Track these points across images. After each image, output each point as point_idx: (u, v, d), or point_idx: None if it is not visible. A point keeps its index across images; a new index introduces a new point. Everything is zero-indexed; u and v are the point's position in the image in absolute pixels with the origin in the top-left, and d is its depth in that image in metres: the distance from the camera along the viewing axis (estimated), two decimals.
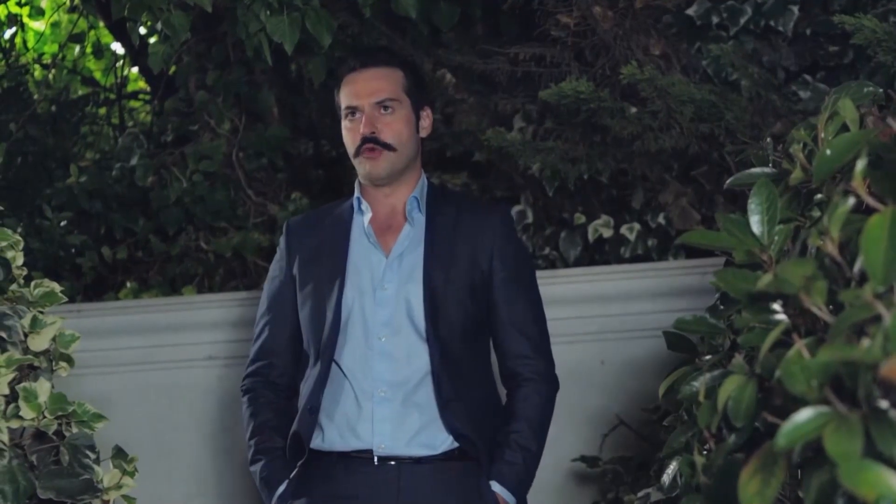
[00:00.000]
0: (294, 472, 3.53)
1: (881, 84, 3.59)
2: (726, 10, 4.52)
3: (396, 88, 3.57)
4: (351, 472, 3.49)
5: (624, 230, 5.35)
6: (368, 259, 3.58)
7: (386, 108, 3.53)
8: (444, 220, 3.61)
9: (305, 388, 3.60)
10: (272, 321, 3.69)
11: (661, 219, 5.33)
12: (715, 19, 4.54)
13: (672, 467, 2.42)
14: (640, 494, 3.51)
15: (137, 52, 6.00)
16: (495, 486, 3.46)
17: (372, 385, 3.49)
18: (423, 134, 3.69)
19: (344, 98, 3.60)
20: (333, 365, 3.55)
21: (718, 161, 4.69)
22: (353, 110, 3.56)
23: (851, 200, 1.77)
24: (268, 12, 4.08)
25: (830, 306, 1.72)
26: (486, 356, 3.67)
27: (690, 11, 4.56)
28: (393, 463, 3.47)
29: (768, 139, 2.53)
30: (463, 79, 5.48)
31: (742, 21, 4.52)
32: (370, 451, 3.45)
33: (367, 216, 3.60)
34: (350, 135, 3.57)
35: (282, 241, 3.76)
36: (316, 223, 3.73)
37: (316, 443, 3.51)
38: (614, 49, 4.51)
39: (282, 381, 3.68)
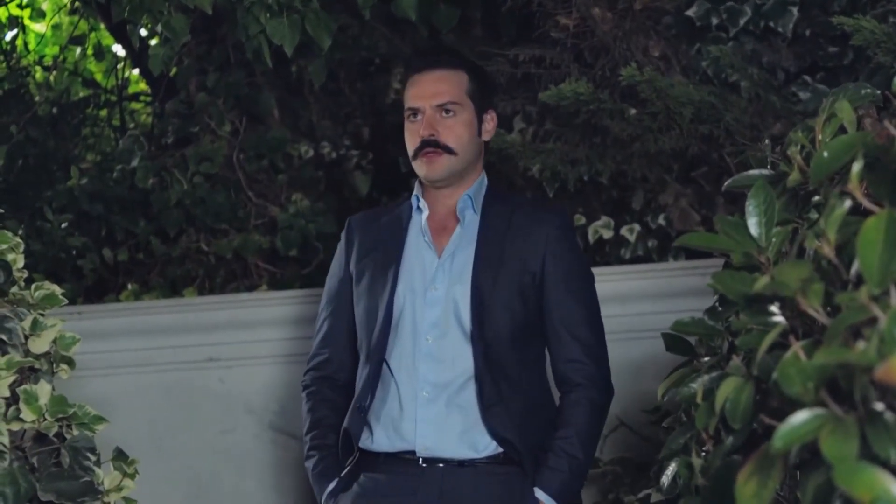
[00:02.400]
0: (345, 471, 3.52)
1: (881, 84, 3.60)
2: (726, 11, 4.51)
3: (459, 91, 3.55)
4: (396, 473, 3.48)
5: (624, 231, 5.36)
6: (422, 258, 3.57)
7: (447, 111, 3.51)
8: (496, 220, 3.57)
9: (357, 386, 3.60)
10: (331, 316, 3.70)
11: (661, 220, 5.35)
12: (714, 20, 4.52)
13: (671, 469, 2.40)
14: (639, 495, 3.52)
15: (138, 54, 6.02)
16: (538, 493, 3.40)
17: (416, 386, 3.48)
18: (486, 137, 3.66)
19: (407, 99, 3.59)
20: (383, 365, 3.54)
21: (718, 162, 4.69)
22: (414, 112, 3.54)
23: (848, 203, 1.77)
24: (267, 14, 4.08)
25: (828, 308, 1.72)
26: (538, 360, 3.60)
27: (690, 12, 4.54)
28: (438, 465, 3.45)
29: (767, 141, 2.53)
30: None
31: (742, 22, 4.51)
32: (414, 452, 3.45)
33: (425, 214, 3.58)
34: (410, 136, 3.56)
35: (342, 236, 3.76)
36: (375, 220, 3.71)
37: (365, 443, 3.52)
38: (614, 50, 4.51)
39: (340, 377, 3.69)
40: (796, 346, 1.64)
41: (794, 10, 4.46)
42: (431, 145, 3.49)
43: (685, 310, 2.76)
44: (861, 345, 1.50)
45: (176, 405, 5.02)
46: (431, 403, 3.46)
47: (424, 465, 3.44)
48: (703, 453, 2.17)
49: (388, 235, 3.63)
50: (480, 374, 3.45)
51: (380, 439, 3.49)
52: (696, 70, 4.54)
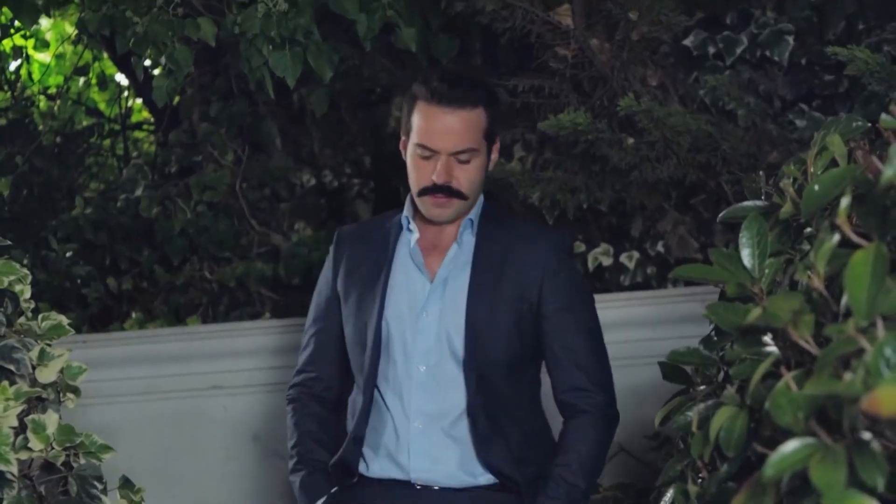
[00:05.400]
0: (335, 489, 3.47)
1: (876, 112, 3.64)
2: (722, 41, 4.54)
3: (478, 136, 3.39)
4: (391, 496, 3.43)
5: (623, 258, 5.35)
6: (411, 281, 3.46)
7: (464, 159, 3.37)
8: (493, 244, 3.46)
9: (351, 413, 3.53)
10: (318, 333, 3.60)
11: (659, 247, 5.34)
12: (711, 49, 4.55)
13: (668, 496, 2.41)
14: None
15: (142, 84, 6.04)
16: None
17: (410, 416, 3.40)
18: (491, 167, 3.54)
19: (419, 132, 3.40)
20: (376, 392, 3.45)
21: (716, 189, 4.71)
22: (427, 151, 3.38)
23: (837, 237, 1.81)
24: (270, 47, 4.12)
25: (819, 338, 1.75)
26: (534, 390, 3.54)
27: (687, 42, 4.57)
28: (435, 489, 3.40)
29: (761, 172, 2.57)
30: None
31: (738, 51, 4.53)
32: (410, 482, 3.40)
33: (415, 236, 3.47)
34: (420, 173, 3.41)
35: (331, 250, 3.65)
36: (365, 235, 3.60)
37: (361, 469, 3.47)
38: (612, 80, 4.52)
39: (328, 395, 3.61)
40: (787, 377, 1.69)
41: (790, 38, 4.48)
42: (444, 191, 3.38)
43: (684, 335, 2.78)
44: (848, 376, 1.53)
45: (181, 433, 5.00)
46: (425, 435, 3.40)
47: (420, 488, 3.41)
48: (699, 480, 2.19)
49: (377, 253, 3.52)
50: (473, 407, 3.37)
51: (375, 467, 3.45)
52: (694, 98, 4.56)
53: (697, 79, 4.56)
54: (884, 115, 2.04)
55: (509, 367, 3.41)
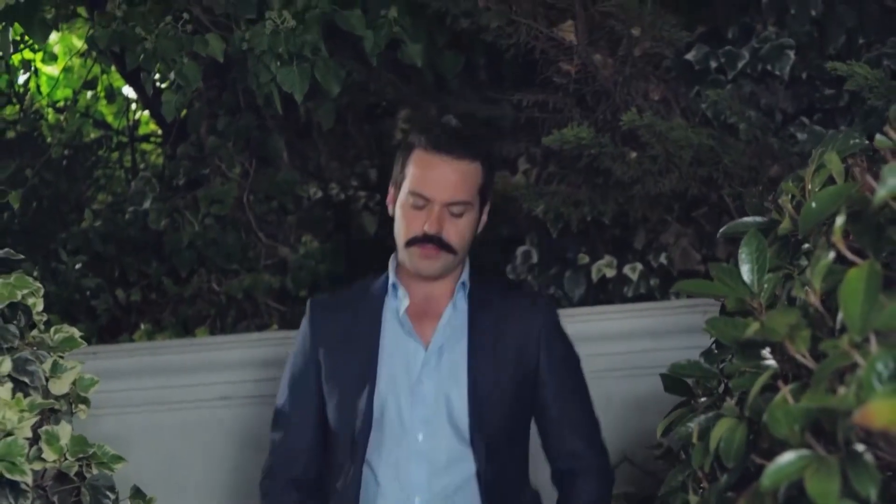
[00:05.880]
0: None
1: (876, 126, 3.69)
2: (724, 56, 4.56)
3: (473, 190, 3.27)
4: None
5: (626, 270, 5.35)
6: (404, 348, 3.31)
7: (457, 212, 3.25)
8: (488, 311, 3.34)
9: (335, 494, 3.34)
10: (294, 411, 3.41)
11: (662, 259, 5.33)
12: (713, 64, 4.57)
13: None
14: None
15: (150, 97, 6.07)
16: None
17: (407, 492, 3.26)
18: (479, 229, 3.39)
19: (414, 180, 3.26)
20: (366, 468, 3.29)
21: (718, 202, 4.73)
22: (420, 199, 3.25)
23: (832, 254, 1.86)
24: (278, 63, 4.17)
25: (818, 352, 1.78)
26: (526, 456, 3.42)
27: (689, 56, 4.60)
28: None
29: (760, 188, 2.61)
30: (468, 124, 5.47)
31: (740, 65, 4.54)
32: None
33: (405, 303, 3.32)
34: (408, 223, 3.26)
35: (304, 322, 3.46)
36: (344, 305, 3.42)
37: None
38: (615, 95, 4.55)
39: (305, 477, 3.41)
40: (784, 391, 1.73)
41: (791, 53, 4.50)
42: (434, 242, 3.24)
43: (687, 346, 2.80)
44: (842, 390, 1.56)
45: (189, 443, 4.99)
46: None
47: None
48: (700, 490, 2.22)
49: (362, 322, 3.35)
50: (484, 478, 3.25)
51: None
52: (696, 112, 4.58)
53: (699, 93, 4.58)
54: (878, 136, 2.08)
55: (509, 437, 3.33)
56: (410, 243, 3.25)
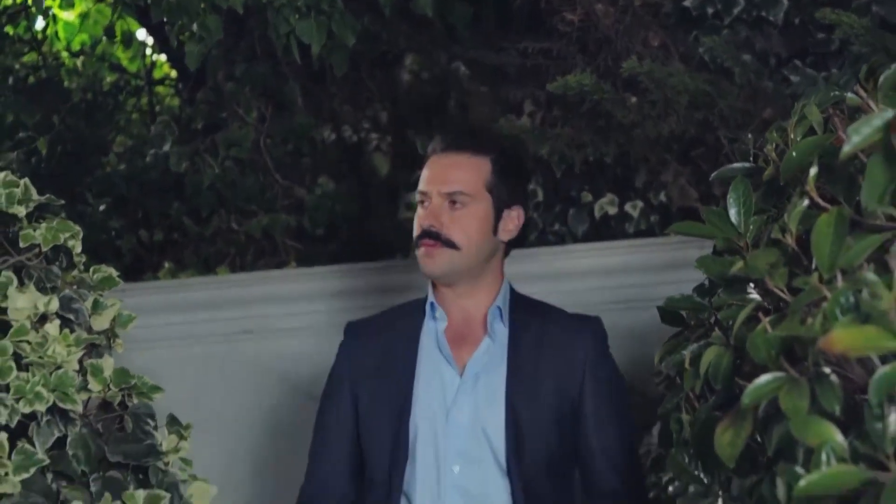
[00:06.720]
0: None
1: (866, 71, 3.82)
2: (720, 2, 4.63)
3: (475, 181, 3.11)
4: None
5: (628, 207, 5.43)
6: (440, 375, 3.14)
7: (455, 202, 3.10)
8: (528, 336, 3.14)
9: None
10: (331, 442, 3.26)
11: (662, 196, 5.41)
12: (710, 10, 4.64)
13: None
14: (641, 451, 3.77)
15: (175, 49, 6.08)
16: None
17: None
18: (505, 237, 3.18)
19: (420, 181, 3.17)
20: (403, 499, 3.12)
21: (714, 143, 4.81)
22: (423, 196, 3.15)
23: (806, 201, 2.08)
24: (296, 16, 4.26)
25: (796, 286, 1.94)
26: (571, 491, 3.21)
27: (686, 3, 4.68)
28: None
29: (749, 136, 2.74)
30: (476, 71, 5.57)
31: (735, 11, 4.62)
32: None
33: (443, 324, 3.16)
34: (415, 222, 3.15)
35: (341, 347, 3.31)
36: (381, 329, 3.26)
37: None
38: (615, 42, 4.64)
39: None
40: (764, 321, 1.90)
41: (785, 0, 4.59)
42: (431, 237, 3.09)
43: (684, 280, 2.90)
44: (810, 321, 1.74)
45: (214, 375, 5.09)
46: None
47: None
48: (692, 410, 2.36)
49: (399, 346, 3.20)
50: None
51: None
52: (694, 56, 4.64)
53: (697, 38, 4.65)
54: (850, 94, 2.26)
55: (549, 469, 3.11)
56: (416, 245, 3.14)
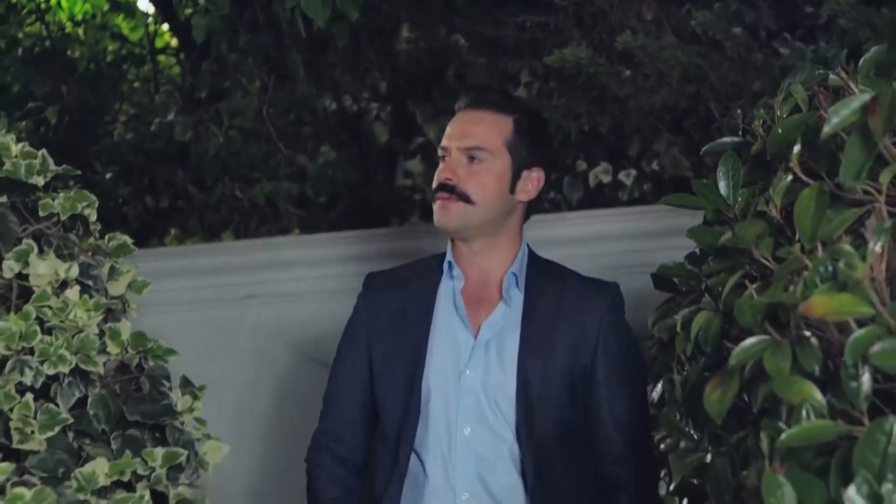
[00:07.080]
0: None
1: (850, 45, 3.89)
2: None
3: (495, 138, 3.07)
4: None
5: (622, 176, 5.51)
6: (454, 335, 3.10)
7: (473, 157, 3.06)
8: (543, 303, 3.09)
9: (381, 480, 3.14)
10: (345, 389, 3.22)
11: (654, 165, 5.50)
12: None
13: (659, 385, 2.70)
14: None
15: (181, 23, 6.15)
16: None
17: (454, 487, 3.05)
18: (523, 197, 3.14)
19: (444, 137, 3.14)
20: (414, 458, 3.09)
21: (705, 114, 4.87)
22: (444, 151, 3.11)
23: (790, 176, 2.19)
24: None
25: (780, 256, 2.04)
26: (584, 459, 3.14)
27: None
28: None
29: (738, 111, 2.82)
30: (475, 43, 5.61)
31: None
32: None
33: (460, 284, 3.13)
34: (435, 177, 3.11)
35: (360, 298, 3.27)
36: (399, 283, 3.22)
37: None
38: (610, 16, 4.73)
39: (352, 458, 3.22)
40: (751, 288, 2.00)
41: None
42: (447, 190, 3.06)
43: (677, 246, 2.91)
44: (792, 288, 1.84)
45: (219, 339, 5.14)
46: None
47: None
48: (683, 371, 2.46)
49: (416, 303, 3.15)
50: (530, 480, 3.04)
51: None
52: (686, 29, 4.70)
53: (689, 11, 4.69)
54: (832, 76, 2.37)
55: (561, 436, 3.06)
56: (433, 199, 3.12)
